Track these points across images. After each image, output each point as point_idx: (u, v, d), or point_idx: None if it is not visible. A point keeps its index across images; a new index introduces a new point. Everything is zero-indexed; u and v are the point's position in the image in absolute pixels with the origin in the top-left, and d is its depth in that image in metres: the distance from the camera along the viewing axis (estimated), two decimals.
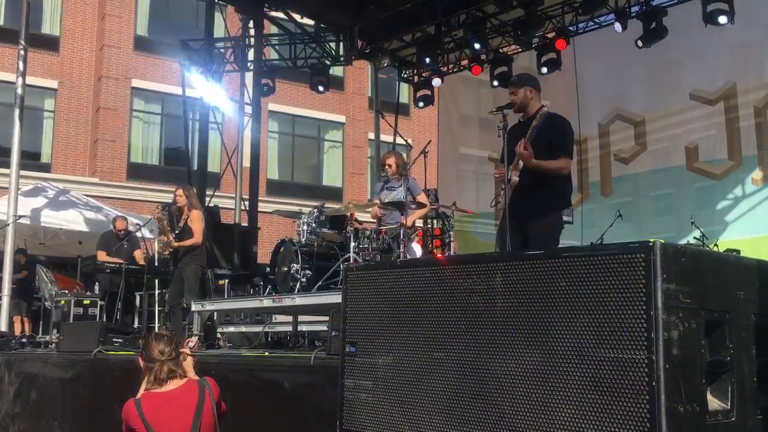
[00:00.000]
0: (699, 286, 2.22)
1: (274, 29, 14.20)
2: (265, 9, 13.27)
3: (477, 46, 10.78)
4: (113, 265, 9.26)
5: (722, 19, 8.86)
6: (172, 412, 3.41)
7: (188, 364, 3.68)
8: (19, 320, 11.52)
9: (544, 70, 10.53)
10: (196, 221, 7.85)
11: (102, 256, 9.58)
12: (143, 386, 3.56)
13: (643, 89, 10.79)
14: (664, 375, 2.05)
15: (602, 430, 2.14)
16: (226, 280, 10.57)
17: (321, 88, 12.49)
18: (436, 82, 12.32)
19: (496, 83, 11.49)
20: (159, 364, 3.49)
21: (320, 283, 6.71)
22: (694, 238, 8.57)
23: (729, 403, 2.28)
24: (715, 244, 8.43)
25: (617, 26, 9.84)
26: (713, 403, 2.25)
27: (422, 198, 7.16)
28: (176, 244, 7.83)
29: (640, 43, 9.59)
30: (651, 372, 2.06)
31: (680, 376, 2.10)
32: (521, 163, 5.04)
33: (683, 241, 8.55)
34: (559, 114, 5.42)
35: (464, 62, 12.30)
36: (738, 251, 7.60)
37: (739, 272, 2.45)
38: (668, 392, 2.05)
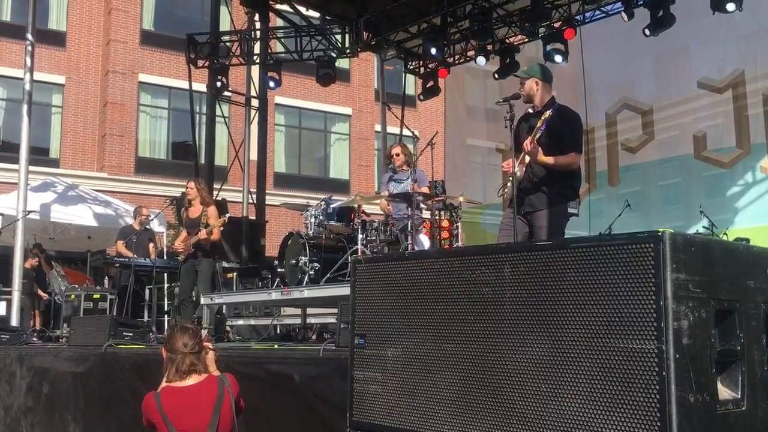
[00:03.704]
0: (709, 275, 2.21)
1: (279, 22, 14.19)
2: (271, 2, 13.25)
3: (483, 36, 10.73)
4: (123, 260, 9.30)
5: (730, 7, 8.79)
6: (191, 407, 3.43)
7: (210, 358, 3.70)
8: (31, 315, 11.60)
9: (555, 59, 10.48)
10: (213, 218, 7.87)
11: (120, 247, 9.65)
12: (164, 379, 3.58)
13: (651, 78, 10.75)
14: (674, 365, 2.04)
15: (612, 421, 2.14)
16: (235, 274, 10.61)
17: (327, 80, 12.48)
18: (443, 73, 12.28)
19: (497, 76, 11.47)
20: (181, 356, 3.51)
21: (328, 275, 6.72)
22: (703, 227, 8.55)
23: (739, 393, 2.28)
24: (725, 233, 8.41)
25: (624, 15, 9.78)
26: (723, 392, 2.24)
27: (425, 191, 7.15)
28: (205, 236, 7.70)
29: (647, 32, 9.52)
30: (661, 362, 2.05)
31: (690, 366, 2.09)
32: (527, 158, 5.02)
33: (692, 231, 8.53)
34: (569, 107, 5.39)
35: (470, 53, 12.25)
36: (747, 240, 7.58)
37: (748, 261, 2.44)
38: (678, 382, 2.04)
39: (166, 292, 10.62)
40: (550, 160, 4.96)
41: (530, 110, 5.29)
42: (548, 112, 4.96)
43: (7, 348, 7.66)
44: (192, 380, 3.52)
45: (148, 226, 10.01)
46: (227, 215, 7.97)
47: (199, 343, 3.61)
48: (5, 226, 10.25)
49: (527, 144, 4.92)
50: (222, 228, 7.94)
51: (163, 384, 3.56)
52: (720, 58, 9.77)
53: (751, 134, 9.41)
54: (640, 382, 2.09)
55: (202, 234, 7.65)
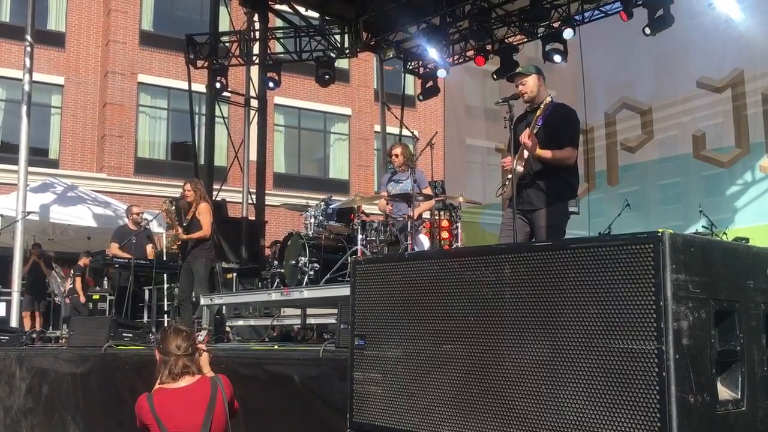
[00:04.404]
0: (708, 275, 2.21)
1: (279, 22, 14.19)
2: (270, 2, 13.26)
3: (482, 36, 10.74)
4: (122, 260, 9.28)
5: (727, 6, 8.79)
6: (184, 408, 3.42)
7: (204, 360, 3.70)
8: (29, 315, 11.59)
9: (554, 58, 10.48)
10: (204, 214, 7.86)
11: (114, 248, 9.61)
12: (158, 381, 3.58)
13: (650, 78, 10.76)
14: (674, 365, 2.04)
15: (612, 421, 2.14)
16: (234, 274, 10.60)
17: (326, 81, 12.48)
18: (442, 73, 12.29)
19: (495, 77, 11.47)
20: (174, 359, 3.51)
21: (328, 275, 6.71)
22: (703, 226, 8.56)
23: (739, 393, 2.28)
24: (724, 233, 8.41)
25: (623, 15, 9.78)
26: (723, 392, 2.24)
27: (427, 191, 7.14)
28: (185, 236, 7.86)
29: (647, 31, 9.51)
30: (661, 362, 2.05)
31: (690, 367, 2.09)
32: (526, 154, 5.03)
33: (691, 230, 8.54)
34: (566, 104, 5.41)
35: (470, 53, 12.26)
36: (747, 239, 7.58)
37: (748, 261, 2.43)
38: (678, 382, 2.04)
39: (165, 293, 10.62)
40: (547, 153, 4.98)
41: (527, 109, 5.31)
42: (545, 103, 4.98)
43: (6, 349, 7.66)
44: (185, 382, 3.51)
45: (148, 227, 9.98)
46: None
47: (192, 345, 3.60)
48: (5, 227, 10.25)
49: (524, 136, 4.94)
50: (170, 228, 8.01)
51: (156, 386, 3.56)
52: (719, 58, 9.77)
53: (750, 133, 9.42)
54: (640, 383, 2.09)
55: (175, 231, 7.80)
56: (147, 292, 10.09)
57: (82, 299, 10.91)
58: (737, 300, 2.31)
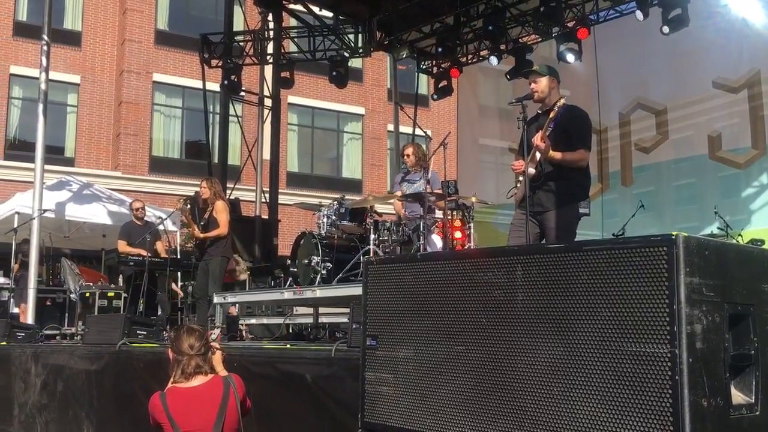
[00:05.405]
0: (723, 279, 2.20)
1: (293, 22, 14.22)
2: (284, 2, 13.30)
3: (496, 36, 10.71)
4: (137, 258, 9.32)
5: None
6: (196, 407, 3.45)
7: (217, 358, 3.71)
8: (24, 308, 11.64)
9: (568, 58, 10.42)
10: (221, 212, 7.91)
11: (122, 246, 9.65)
12: (171, 380, 3.61)
13: (665, 78, 10.66)
14: (688, 369, 2.03)
15: (624, 425, 2.13)
16: (248, 273, 10.65)
17: (340, 80, 12.50)
18: (455, 73, 12.26)
19: (509, 77, 11.42)
20: (187, 358, 3.53)
21: (341, 275, 6.72)
22: (718, 228, 8.48)
23: (753, 397, 2.26)
24: (739, 234, 8.34)
25: (639, 14, 9.70)
26: (737, 396, 2.23)
27: (438, 192, 7.13)
28: (202, 235, 7.89)
29: (665, 29, 9.42)
30: (674, 366, 2.04)
31: (704, 370, 2.08)
32: (538, 155, 5.02)
33: (706, 231, 8.47)
34: (579, 106, 5.38)
35: (483, 53, 12.23)
36: (762, 242, 7.52)
37: (763, 264, 2.41)
38: (691, 386, 2.03)
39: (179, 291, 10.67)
40: (558, 155, 4.97)
41: (539, 110, 5.30)
42: (558, 107, 4.98)
43: (22, 345, 7.73)
44: (197, 381, 3.53)
45: (160, 226, 10.03)
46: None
47: (205, 345, 3.62)
48: (21, 224, 10.33)
49: (537, 138, 4.92)
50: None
51: (170, 385, 3.58)
52: (735, 58, 9.67)
53: (767, 134, 9.32)
54: (653, 386, 2.08)
55: (191, 230, 7.85)
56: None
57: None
58: (752, 303, 2.30)
